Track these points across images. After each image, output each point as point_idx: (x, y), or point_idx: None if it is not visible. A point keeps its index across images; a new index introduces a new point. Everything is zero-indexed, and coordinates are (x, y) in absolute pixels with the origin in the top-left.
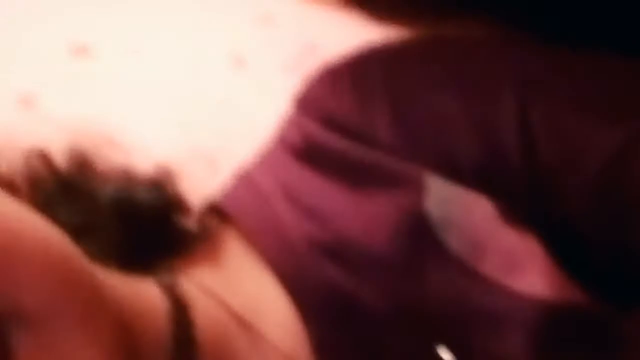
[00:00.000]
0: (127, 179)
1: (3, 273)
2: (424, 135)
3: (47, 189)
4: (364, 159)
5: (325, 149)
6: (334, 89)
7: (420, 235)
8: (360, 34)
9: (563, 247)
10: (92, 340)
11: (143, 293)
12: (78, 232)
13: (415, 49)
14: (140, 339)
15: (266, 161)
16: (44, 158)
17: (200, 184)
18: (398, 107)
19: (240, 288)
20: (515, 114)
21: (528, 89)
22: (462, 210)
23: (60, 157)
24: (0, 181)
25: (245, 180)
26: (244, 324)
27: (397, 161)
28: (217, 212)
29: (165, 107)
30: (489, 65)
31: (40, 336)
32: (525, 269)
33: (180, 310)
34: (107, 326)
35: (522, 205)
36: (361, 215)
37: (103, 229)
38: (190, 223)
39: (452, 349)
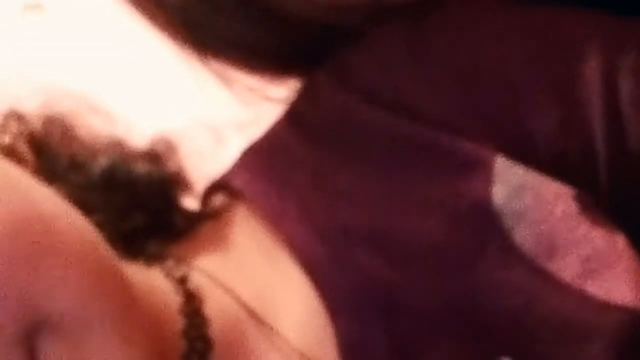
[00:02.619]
0: (119, 152)
1: (33, 272)
2: (492, 109)
3: (50, 161)
4: (416, 137)
5: (366, 126)
6: (381, 58)
7: (483, 227)
8: None
9: None
10: (128, 350)
11: (155, 287)
12: None
13: (486, 13)
14: (159, 339)
15: (281, 137)
16: (23, 124)
17: (204, 158)
18: (462, 77)
19: (253, 277)
20: (601, 85)
21: (616, 57)
22: (538, 203)
23: (36, 124)
24: (3, 150)
25: (258, 154)
26: (258, 319)
27: (460, 140)
28: (224, 189)
29: (158, 70)
30: (570, 30)
31: (74, 347)
32: (609, 273)
33: (193, 306)
34: (141, 332)
35: (606, 197)
36: (410, 201)
37: (99, 208)
38: (193, 202)
39: (513, 359)
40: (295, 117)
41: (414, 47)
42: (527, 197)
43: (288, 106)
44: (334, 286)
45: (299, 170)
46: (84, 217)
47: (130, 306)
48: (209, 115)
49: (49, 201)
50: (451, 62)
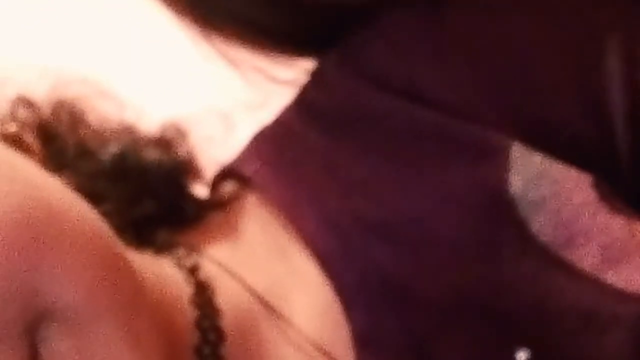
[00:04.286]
0: (129, 138)
1: (38, 262)
2: (509, 96)
3: (58, 149)
4: (430, 125)
5: (379, 114)
6: (394, 43)
7: (499, 217)
8: None
9: None
10: (137, 342)
11: (165, 277)
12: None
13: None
14: (170, 331)
15: (292, 124)
16: (31, 111)
17: (215, 144)
18: (477, 63)
19: (264, 266)
20: (622, 74)
21: (637, 47)
22: (556, 191)
23: (45, 109)
24: (9, 139)
25: (268, 141)
26: (270, 309)
27: (475, 127)
28: (234, 176)
29: (169, 55)
30: (593, 18)
31: (79, 339)
32: (628, 262)
33: (204, 296)
34: (150, 324)
35: (627, 185)
36: (424, 191)
37: (108, 196)
38: (203, 189)
39: (531, 352)
40: (305, 104)
41: (429, 32)
42: (544, 185)
43: (298, 92)
44: (347, 277)
45: (309, 159)
46: (91, 207)
47: (138, 297)
48: (219, 101)
49: (54, 191)
50: (468, 47)
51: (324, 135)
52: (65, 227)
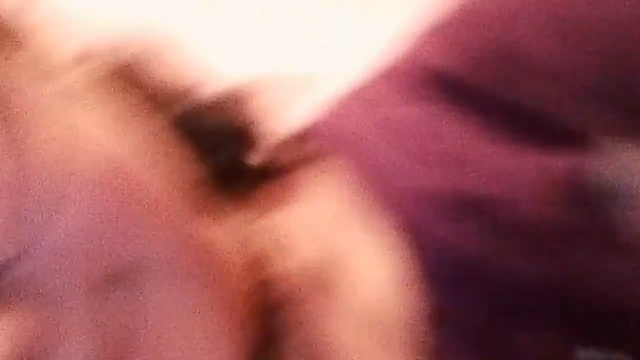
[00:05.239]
0: (190, 101)
1: (117, 226)
2: (606, 85)
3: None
4: (518, 106)
5: (465, 88)
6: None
7: (582, 206)
8: None
9: None
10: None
11: (221, 246)
12: None
13: None
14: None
15: (372, 92)
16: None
17: (280, 110)
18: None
19: (324, 236)
20: None
21: None
22: None
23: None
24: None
25: (340, 110)
26: (326, 282)
27: (566, 115)
28: (299, 145)
29: (234, 17)
30: None
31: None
32: None
33: (258, 267)
34: (209, 290)
35: None
36: (506, 171)
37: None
38: (264, 157)
39: (602, 349)
40: (395, 72)
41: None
42: (634, 177)
43: (384, 61)
44: (417, 254)
45: (383, 127)
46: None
47: (197, 263)
48: (287, 66)
49: (131, 155)
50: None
51: (412, 104)
52: (141, 191)
